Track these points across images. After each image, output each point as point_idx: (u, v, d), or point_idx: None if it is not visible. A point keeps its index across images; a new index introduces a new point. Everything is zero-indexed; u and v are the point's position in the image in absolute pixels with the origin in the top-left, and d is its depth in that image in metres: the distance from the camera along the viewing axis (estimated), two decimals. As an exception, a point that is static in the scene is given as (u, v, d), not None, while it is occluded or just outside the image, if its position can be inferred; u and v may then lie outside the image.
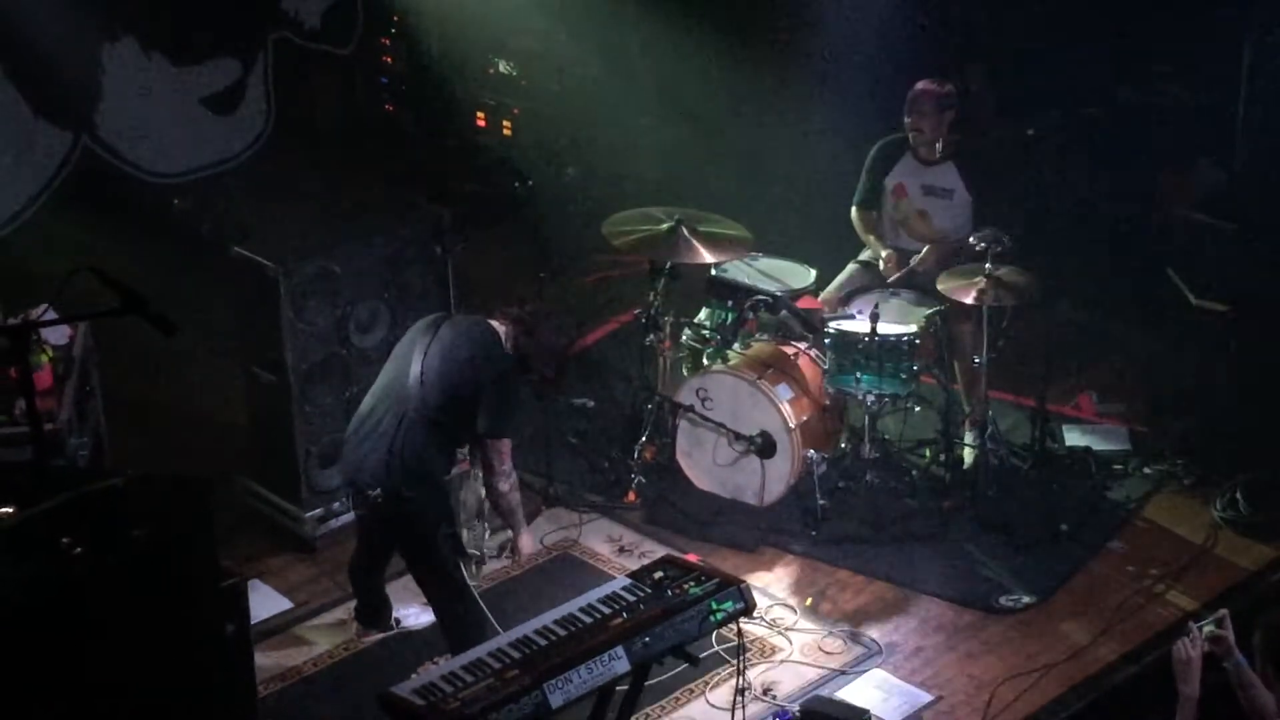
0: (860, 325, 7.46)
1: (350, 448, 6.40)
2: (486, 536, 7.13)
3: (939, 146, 7.87)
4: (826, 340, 7.55)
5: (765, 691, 6.59)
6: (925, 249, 7.89)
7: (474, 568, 6.89)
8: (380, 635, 6.88)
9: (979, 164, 7.95)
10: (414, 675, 5.84)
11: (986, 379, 7.64)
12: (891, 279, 7.90)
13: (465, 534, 6.72)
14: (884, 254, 7.97)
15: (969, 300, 7.43)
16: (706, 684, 6.57)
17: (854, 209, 8.17)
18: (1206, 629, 5.30)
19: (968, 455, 7.80)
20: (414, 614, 6.95)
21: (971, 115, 8.12)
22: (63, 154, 8.93)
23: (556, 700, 5.19)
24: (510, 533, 6.62)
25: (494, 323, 6.36)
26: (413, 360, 6.27)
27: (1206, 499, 7.67)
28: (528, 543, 6.63)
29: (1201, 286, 8.21)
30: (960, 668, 6.73)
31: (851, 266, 8.18)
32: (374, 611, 6.86)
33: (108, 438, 7.27)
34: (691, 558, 6.52)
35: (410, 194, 8.33)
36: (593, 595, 5.62)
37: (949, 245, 7.86)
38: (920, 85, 7.87)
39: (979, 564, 7.32)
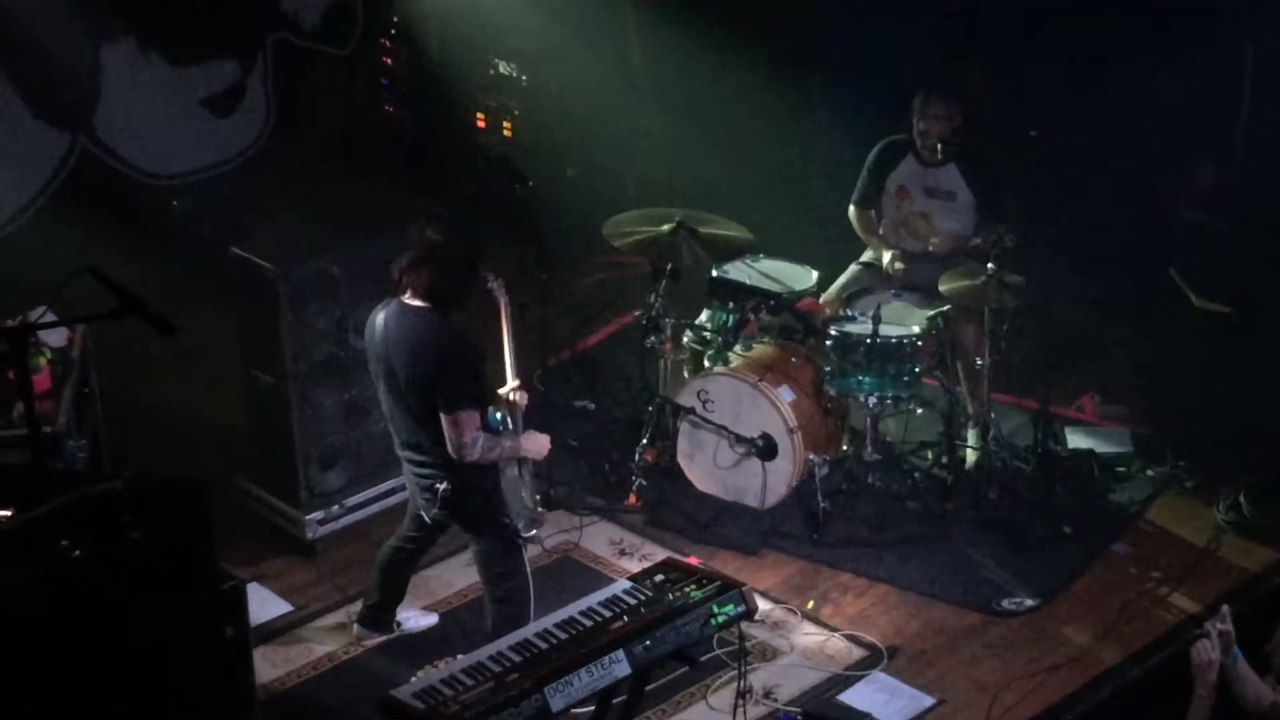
0: (862, 327, 7.44)
1: (404, 461, 6.39)
2: (534, 495, 6.67)
3: (940, 148, 7.85)
4: (828, 342, 7.53)
5: (766, 695, 6.57)
6: (940, 238, 7.86)
7: (533, 532, 6.52)
8: (380, 638, 6.85)
9: (981, 166, 7.93)
10: (414, 678, 5.83)
11: (989, 381, 7.62)
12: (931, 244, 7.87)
13: (517, 500, 6.40)
14: (888, 255, 7.95)
15: (971, 302, 7.40)
16: (708, 687, 6.55)
17: (852, 207, 8.17)
18: (1218, 627, 5.32)
19: (970, 457, 7.78)
20: (413, 617, 6.93)
21: (972, 116, 8.10)
22: (61, 155, 8.90)
23: (557, 704, 5.18)
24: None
25: (410, 301, 6.18)
26: (392, 361, 6.21)
27: (1209, 501, 7.65)
28: (533, 446, 6.42)
29: (1204, 287, 8.20)
30: (962, 671, 6.71)
31: (853, 268, 8.16)
32: (379, 612, 6.83)
33: (106, 440, 7.25)
34: (692, 560, 6.51)
35: (410, 195, 8.31)
36: (593, 598, 5.61)
37: (959, 242, 7.85)
38: (932, 94, 7.84)
39: (981, 567, 7.30)
